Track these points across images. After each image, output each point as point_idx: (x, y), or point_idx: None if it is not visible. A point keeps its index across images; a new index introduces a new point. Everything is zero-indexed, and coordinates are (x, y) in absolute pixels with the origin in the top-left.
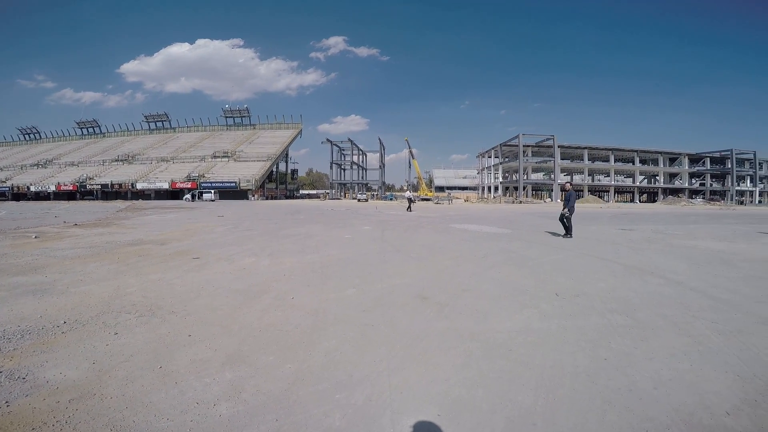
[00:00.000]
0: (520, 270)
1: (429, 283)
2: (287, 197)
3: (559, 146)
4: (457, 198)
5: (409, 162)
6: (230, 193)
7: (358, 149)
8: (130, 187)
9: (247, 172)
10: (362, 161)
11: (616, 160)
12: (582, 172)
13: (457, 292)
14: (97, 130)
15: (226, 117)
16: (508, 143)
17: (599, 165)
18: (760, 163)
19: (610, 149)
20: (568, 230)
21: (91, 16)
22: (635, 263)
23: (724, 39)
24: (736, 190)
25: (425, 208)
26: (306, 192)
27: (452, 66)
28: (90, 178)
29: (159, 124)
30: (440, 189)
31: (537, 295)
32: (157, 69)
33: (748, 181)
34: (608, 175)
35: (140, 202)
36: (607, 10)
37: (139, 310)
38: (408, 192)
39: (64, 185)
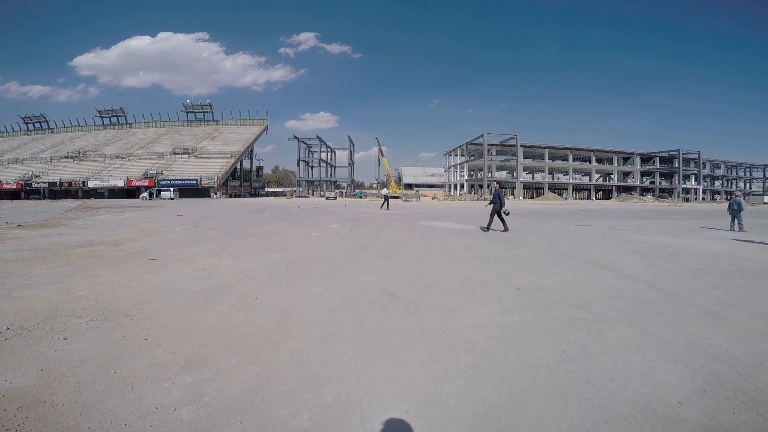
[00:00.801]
0: (484, 265)
1: (396, 280)
2: (252, 195)
3: (521, 145)
4: (425, 196)
5: (379, 160)
6: (191, 191)
7: (327, 146)
8: (80, 185)
9: (210, 169)
10: (331, 159)
11: (574, 159)
12: (543, 171)
13: (423, 289)
14: (44, 125)
15: (187, 112)
16: (474, 142)
17: (559, 164)
18: (703, 163)
19: (569, 149)
20: (505, 226)
21: (43, 6)
22: (591, 258)
23: (674, 49)
24: (683, 188)
25: (394, 205)
26: (272, 190)
27: (422, 65)
28: (36, 176)
29: (114, 120)
30: (409, 187)
31: (499, 290)
32: (113, 62)
33: (693, 180)
34: (567, 174)
35: (92, 201)
36: (569, 12)
37: (91, 314)
38: (385, 189)
39: (7, 184)
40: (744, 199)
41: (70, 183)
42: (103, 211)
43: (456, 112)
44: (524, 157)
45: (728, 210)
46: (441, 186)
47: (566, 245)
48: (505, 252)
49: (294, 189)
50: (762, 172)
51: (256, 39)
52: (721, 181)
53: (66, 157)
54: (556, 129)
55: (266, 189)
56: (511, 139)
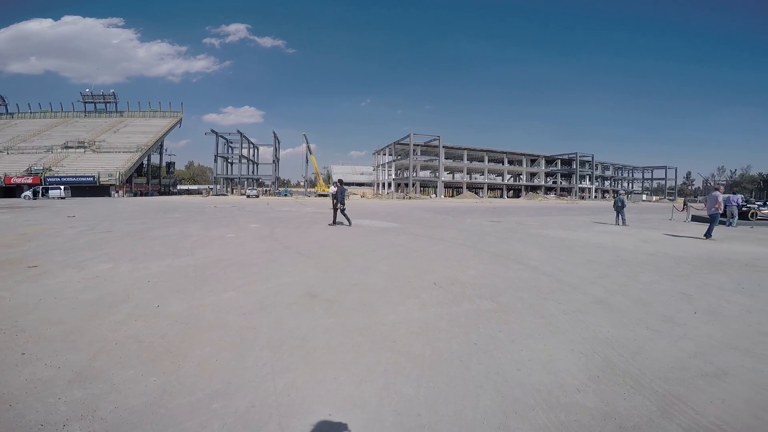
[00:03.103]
0: (405, 261)
1: (318, 280)
2: (161, 193)
3: (443, 146)
4: (354, 194)
5: (307, 157)
6: (87, 189)
7: (249, 142)
8: None
9: (110, 165)
10: (254, 155)
11: (489, 161)
12: (462, 171)
13: (346, 288)
14: None
15: (86, 102)
16: (401, 142)
17: (476, 165)
18: (596, 165)
19: (484, 150)
20: (341, 219)
21: None
22: (500, 251)
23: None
24: (579, 187)
25: (322, 204)
26: (185, 188)
27: (357, 64)
28: None
29: None
30: (334, 185)
31: (419, 286)
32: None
33: (588, 180)
34: (483, 174)
35: None
36: (490, 27)
37: None
38: (333, 187)
39: None
40: (626, 197)
41: None
42: None
43: (387, 111)
44: (446, 158)
45: (614, 207)
46: (370, 185)
47: (479, 240)
48: (425, 248)
49: (211, 187)
50: (641, 174)
51: (180, 27)
52: (609, 181)
53: None
54: (474, 132)
55: (178, 187)
56: (434, 140)
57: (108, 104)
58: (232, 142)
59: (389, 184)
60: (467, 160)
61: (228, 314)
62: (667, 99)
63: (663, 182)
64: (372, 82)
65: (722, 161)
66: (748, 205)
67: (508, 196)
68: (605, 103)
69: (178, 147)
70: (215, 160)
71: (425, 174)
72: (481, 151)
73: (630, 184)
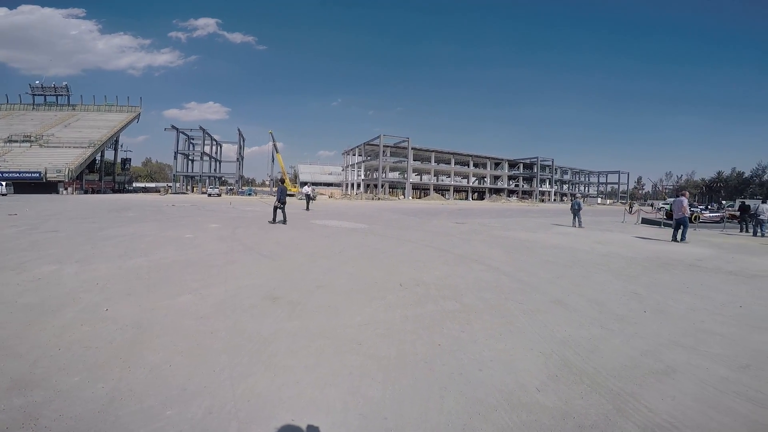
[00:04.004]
0: (372, 263)
1: (281, 282)
2: (115, 191)
3: (412, 148)
4: (321, 194)
5: (273, 156)
6: (32, 185)
7: (212, 139)
8: None
9: (59, 161)
10: (217, 153)
11: (455, 163)
12: (429, 173)
13: (310, 290)
14: None
15: (35, 95)
16: (371, 143)
17: (443, 167)
18: (555, 169)
19: (451, 153)
20: (280, 217)
21: None
22: (464, 252)
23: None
24: (540, 191)
25: (288, 203)
26: (142, 185)
27: (329, 63)
28: None
29: None
30: (305, 184)
31: (385, 287)
32: None
33: (548, 183)
34: (449, 176)
35: None
36: (464, 32)
37: None
38: (307, 187)
39: None
40: (582, 200)
41: None
42: None
43: (358, 112)
44: (414, 160)
45: (570, 209)
46: (339, 185)
47: (444, 241)
48: (392, 249)
49: (169, 185)
50: (597, 178)
51: (145, 20)
52: (568, 185)
53: None
54: (442, 134)
55: (134, 185)
56: (403, 141)
57: (60, 97)
58: (193, 139)
59: (358, 185)
60: (435, 162)
61: (183, 318)
62: (622, 108)
63: (616, 186)
64: (344, 82)
65: (669, 167)
66: (692, 209)
67: (472, 198)
68: (567, 107)
69: (135, 143)
70: (175, 157)
71: (394, 175)
72: (448, 153)
73: (586, 188)
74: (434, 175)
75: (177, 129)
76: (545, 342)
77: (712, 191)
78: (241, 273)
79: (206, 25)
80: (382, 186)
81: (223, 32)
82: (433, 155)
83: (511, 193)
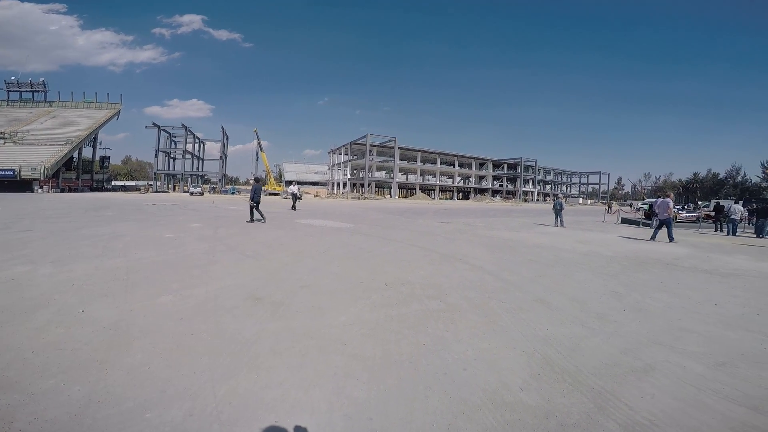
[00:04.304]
0: (357, 262)
1: (264, 282)
2: (93, 190)
3: (399, 148)
4: (307, 193)
5: (257, 154)
6: (5, 183)
7: (195, 137)
8: None
9: (35, 158)
10: (199, 151)
11: (441, 163)
12: (415, 172)
13: (294, 290)
14: None
15: (9, 91)
16: (357, 142)
17: (429, 167)
18: (538, 170)
19: (437, 153)
20: (258, 216)
21: None
22: (449, 252)
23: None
24: (523, 191)
25: (273, 203)
26: (121, 184)
27: (317, 62)
28: None
29: None
30: (290, 183)
31: (370, 287)
32: None
33: (531, 184)
34: (435, 176)
35: None
36: (452, 31)
37: None
38: (294, 186)
39: None
40: (564, 200)
41: None
42: None
43: (345, 111)
44: (400, 159)
45: (553, 209)
46: (324, 184)
47: (429, 241)
48: (377, 249)
49: (150, 183)
50: (579, 178)
51: (129, 16)
52: (550, 185)
53: None
54: (428, 133)
55: (113, 183)
56: (390, 141)
57: (36, 93)
58: (175, 137)
59: (344, 184)
60: (421, 162)
61: (162, 319)
62: (603, 108)
63: (597, 186)
64: (331, 81)
65: (648, 168)
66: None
67: (458, 198)
68: (550, 106)
69: (115, 140)
70: (156, 155)
71: (380, 175)
72: (434, 153)
73: (568, 188)
74: (420, 175)
75: (158, 126)
76: (528, 340)
77: (688, 192)
78: (223, 273)
79: (191, 21)
80: (369, 185)
81: (208, 29)
82: (419, 155)
83: (495, 193)
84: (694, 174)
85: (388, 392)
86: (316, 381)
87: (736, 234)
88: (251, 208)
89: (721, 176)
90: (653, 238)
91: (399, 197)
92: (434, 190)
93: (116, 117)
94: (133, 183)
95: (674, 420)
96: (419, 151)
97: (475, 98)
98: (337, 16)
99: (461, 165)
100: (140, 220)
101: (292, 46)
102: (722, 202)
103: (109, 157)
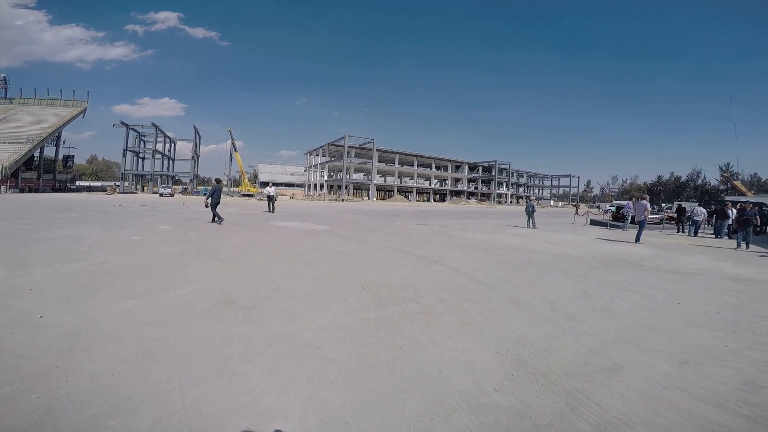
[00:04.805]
0: (333, 265)
1: (236, 286)
2: (56, 190)
3: (377, 150)
4: (282, 195)
5: (231, 154)
6: None
7: (165, 136)
8: None
9: None
10: (170, 151)
11: (418, 166)
12: (393, 174)
13: (267, 293)
14: None
15: None
16: (335, 143)
17: (407, 169)
18: (512, 172)
19: (415, 155)
20: (218, 219)
21: None
22: (425, 254)
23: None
24: (497, 193)
25: (247, 204)
26: (86, 184)
27: (295, 61)
28: None
29: None
30: (266, 185)
31: (346, 289)
32: None
33: (505, 186)
34: (413, 178)
35: None
36: (426, 33)
37: None
38: (270, 187)
39: None
40: (536, 202)
41: None
42: None
43: (323, 112)
44: (378, 161)
45: (525, 211)
46: (301, 185)
47: (406, 243)
48: (355, 251)
49: (117, 184)
50: (550, 181)
51: (101, 12)
52: (523, 188)
53: None
54: (406, 135)
55: (78, 183)
56: (368, 143)
57: None
58: (144, 136)
59: (321, 186)
60: (399, 164)
61: (127, 325)
62: (574, 112)
63: (568, 189)
64: (310, 81)
65: (616, 171)
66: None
67: (434, 200)
68: (524, 109)
69: (81, 139)
70: (124, 155)
71: (358, 176)
72: (412, 156)
73: (540, 191)
74: (398, 177)
75: (127, 125)
76: (501, 341)
77: (652, 194)
78: (192, 277)
79: (167, 18)
80: (346, 187)
81: (184, 27)
82: (397, 157)
83: (470, 195)
84: (658, 177)
85: (365, 396)
86: (290, 386)
87: (698, 235)
88: (212, 207)
89: (683, 179)
90: (638, 239)
91: (377, 199)
92: (412, 192)
93: (82, 115)
94: (98, 183)
95: (643, 418)
96: (397, 153)
97: (452, 100)
98: (317, 16)
99: (438, 167)
100: (105, 222)
101: (271, 46)
102: (684, 204)
103: (74, 156)
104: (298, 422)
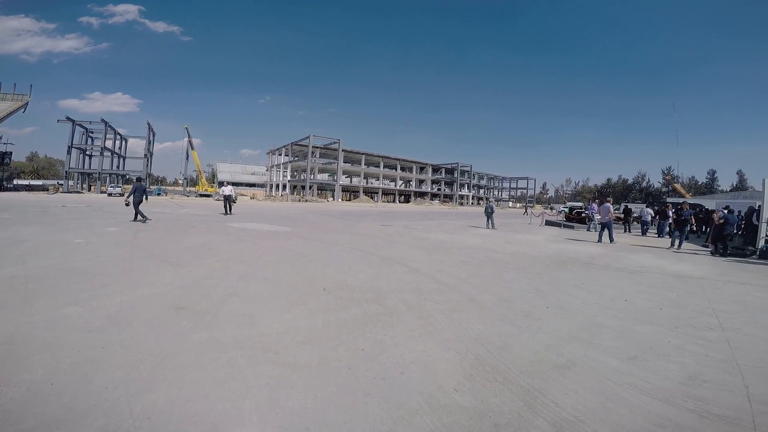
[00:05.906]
0: (294, 267)
1: (188, 290)
2: None
3: (343, 150)
4: (242, 195)
5: (188, 152)
6: None
7: (116, 133)
8: None
9: None
10: (121, 148)
11: (384, 167)
12: (359, 175)
13: (222, 298)
14: None
15: None
16: (299, 143)
17: (372, 170)
18: (473, 174)
19: (380, 156)
20: (138, 217)
21: None
22: (388, 255)
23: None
24: (459, 195)
25: (203, 205)
26: (26, 183)
27: (260, 59)
28: None
29: None
30: (223, 184)
31: (306, 292)
32: None
33: (467, 188)
34: (378, 179)
35: None
36: (398, 34)
37: None
38: (227, 187)
39: None
40: (495, 204)
41: None
42: None
43: (288, 111)
44: (344, 162)
45: (485, 212)
46: (262, 185)
47: (370, 244)
48: (317, 252)
49: (60, 182)
50: (509, 183)
51: (55, 2)
52: (484, 190)
53: None
54: (372, 136)
55: (15, 182)
56: (334, 143)
57: None
58: (93, 132)
59: (284, 186)
60: (365, 164)
61: (68, 332)
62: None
63: (525, 191)
64: (274, 79)
65: (569, 174)
66: (585, 211)
67: (399, 201)
68: (484, 111)
69: (21, 135)
70: (68, 152)
71: (323, 177)
72: (378, 156)
73: (500, 192)
74: (364, 178)
75: (73, 120)
76: (461, 341)
77: (602, 196)
78: (140, 282)
79: (126, 11)
80: (310, 188)
81: (144, 20)
82: (363, 158)
83: (434, 196)
84: (608, 180)
85: (326, 400)
86: (247, 392)
87: (647, 234)
88: (134, 205)
89: (629, 182)
90: (600, 239)
91: (342, 200)
92: (377, 193)
93: (23, 110)
94: (40, 182)
95: (597, 415)
96: (363, 153)
97: (418, 102)
98: (285, 14)
99: (403, 169)
100: (46, 223)
101: (236, 43)
102: (630, 206)
103: (11, 153)
104: (257, 429)
